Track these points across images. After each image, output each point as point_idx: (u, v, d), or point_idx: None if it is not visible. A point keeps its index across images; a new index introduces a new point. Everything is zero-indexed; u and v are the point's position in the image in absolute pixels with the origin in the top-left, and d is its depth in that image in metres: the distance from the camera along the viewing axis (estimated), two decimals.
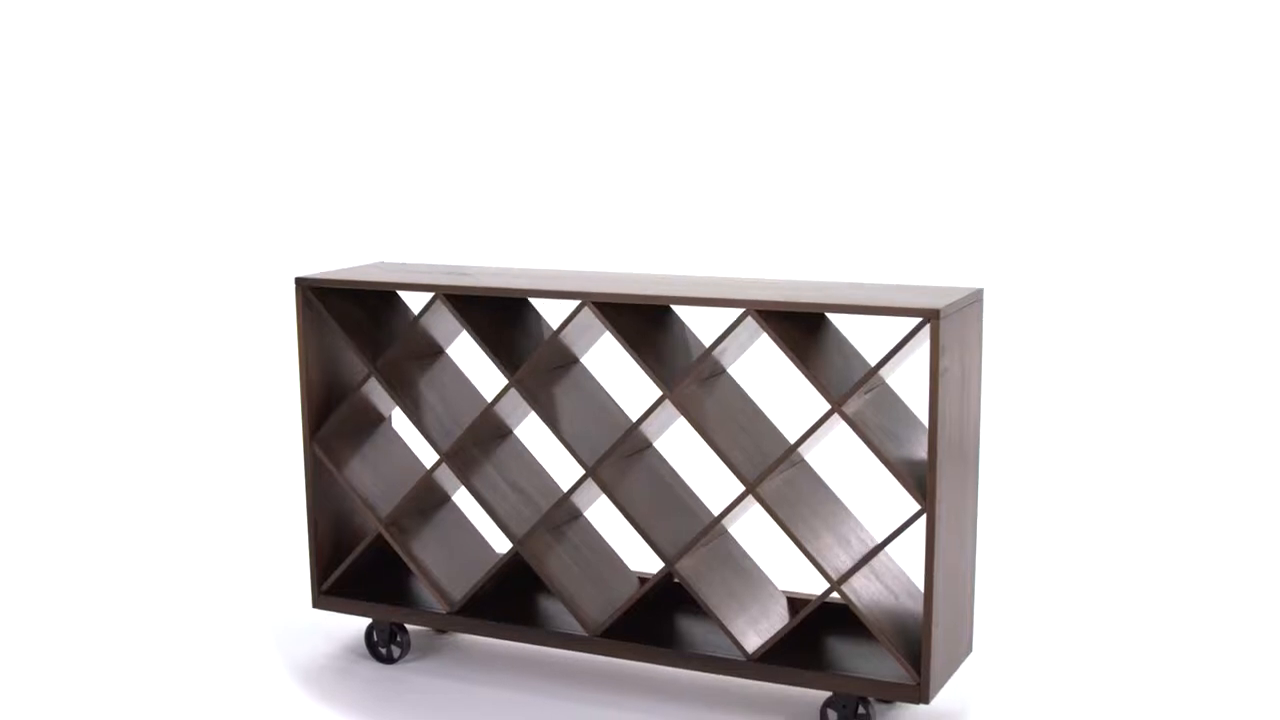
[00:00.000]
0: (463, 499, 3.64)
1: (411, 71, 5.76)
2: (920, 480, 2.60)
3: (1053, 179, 5.28)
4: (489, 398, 3.09)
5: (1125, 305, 5.19)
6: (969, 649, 2.87)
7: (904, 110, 5.39)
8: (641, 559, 3.44)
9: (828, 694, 2.81)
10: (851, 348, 2.81)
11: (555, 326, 2.91)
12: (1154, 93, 5.18)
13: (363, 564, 3.23)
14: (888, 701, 2.87)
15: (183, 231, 5.79)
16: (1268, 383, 4.90)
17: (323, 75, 5.80)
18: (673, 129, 5.58)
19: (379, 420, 3.24)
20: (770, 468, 2.70)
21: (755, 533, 3.47)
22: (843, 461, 3.55)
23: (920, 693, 2.64)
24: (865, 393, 2.67)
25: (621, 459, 2.90)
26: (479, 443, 3.05)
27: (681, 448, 3.49)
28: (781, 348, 2.61)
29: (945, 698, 2.91)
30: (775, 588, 3.00)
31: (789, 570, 3.38)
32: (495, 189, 5.69)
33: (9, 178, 5.71)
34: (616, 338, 2.75)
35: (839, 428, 2.80)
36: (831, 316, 2.83)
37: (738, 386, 2.91)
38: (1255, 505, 4.12)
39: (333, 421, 3.11)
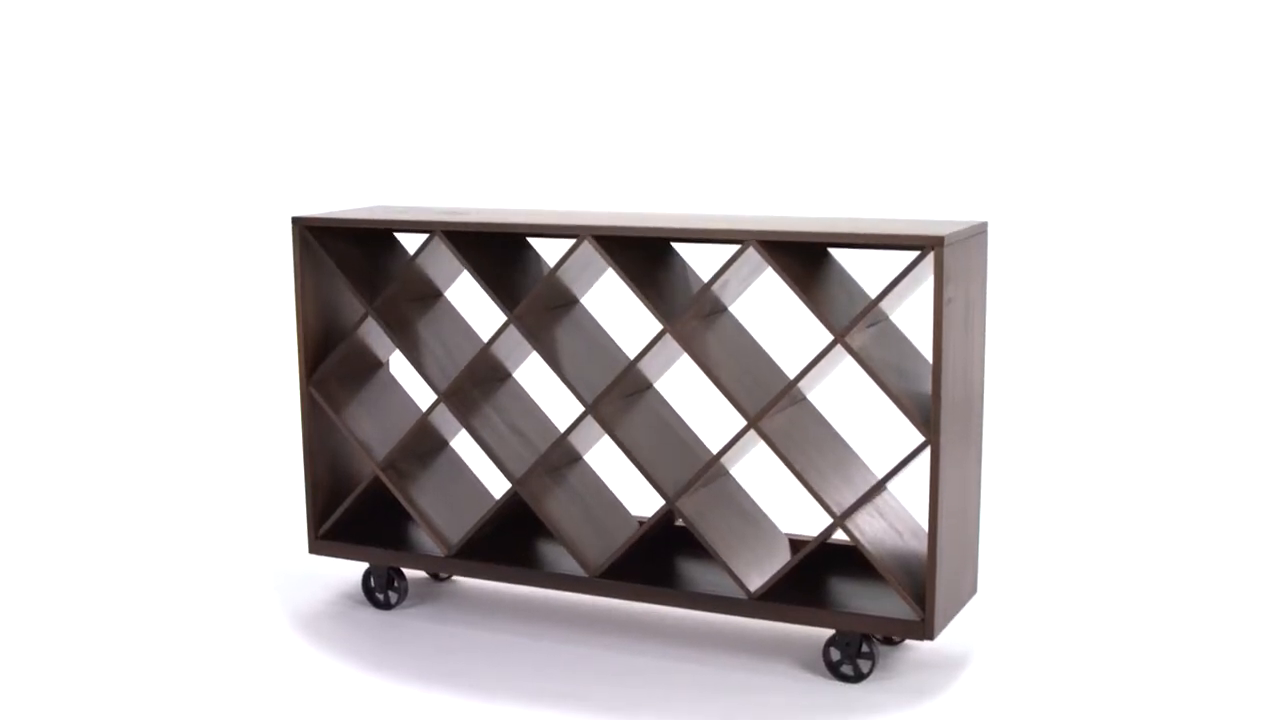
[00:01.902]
0: (461, 445, 3.61)
1: (411, 17, 5.70)
2: (925, 412, 2.56)
3: (1055, 119, 5.25)
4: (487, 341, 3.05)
5: (1129, 246, 5.16)
6: (973, 589, 2.84)
7: (908, 53, 5.34)
8: (641, 505, 3.41)
9: (830, 632, 2.78)
10: (855, 283, 2.78)
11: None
12: (1159, 29, 5.13)
13: (360, 508, 3.19)
14: (893, 643, 2.84)
15: (181, 173, 5.75)
16: (1273, 320, 4.86)
17: (323, 20, 5.74)
18: (672, 75, 5.54)
19: (376, 364, 3.20)
20: (773, 401, 2.66)
21: (757, 477, 3.44)
22: (847, 407, 3.52)
23: (925, 629, 2.60)
24: (869, 326, 2.63)
25: (621, 398, 2.86)
26: (478, 384, 3.02)
27: (682, 391, 3.46)
28: (784, 279, 2.57)
29: (949, 640, 2.87)
30: (777, 529, 2.96)
31: (791, 515, 3.35)
32: (495, 137, 5.65)
33: (6, 125, 5.67)
34: (617, 271, 2.71)
35: (843, 366, 2.76)
36: (835, 253, 2.79)
37: (739, 324, 2.88)
38: (1263, 445, 4.09)
39: (329, 363, 3.07)
